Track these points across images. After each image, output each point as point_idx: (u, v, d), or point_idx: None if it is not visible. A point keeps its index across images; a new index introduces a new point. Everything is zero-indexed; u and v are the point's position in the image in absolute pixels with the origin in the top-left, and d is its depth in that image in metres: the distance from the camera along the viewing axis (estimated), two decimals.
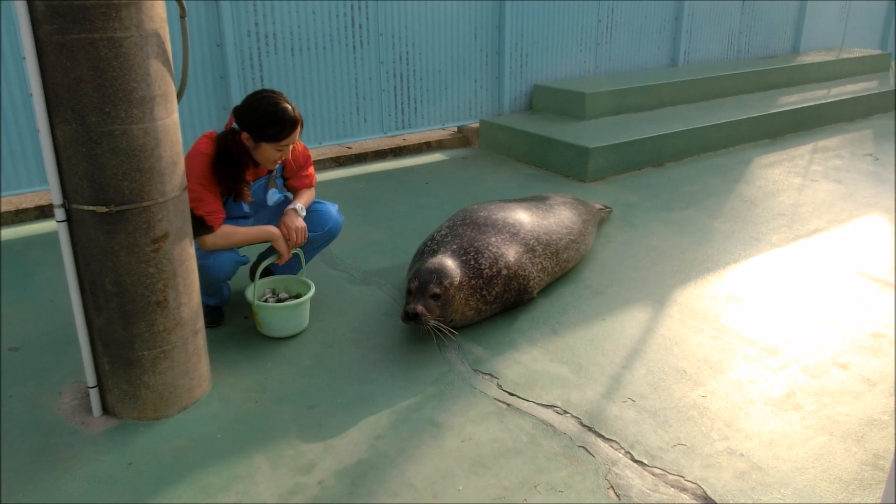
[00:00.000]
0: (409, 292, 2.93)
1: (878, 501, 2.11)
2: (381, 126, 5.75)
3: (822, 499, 2.14)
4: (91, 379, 2.45)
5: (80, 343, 2.40)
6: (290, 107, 2.81)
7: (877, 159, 5.96)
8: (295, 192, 3.17)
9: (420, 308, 2.81)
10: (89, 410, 2.51)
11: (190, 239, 2.47)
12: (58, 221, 2.25)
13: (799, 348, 2.98)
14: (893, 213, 4.62)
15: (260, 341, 3.00)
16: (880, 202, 4.85)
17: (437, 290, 2.87)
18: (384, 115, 5.73)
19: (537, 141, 5.71)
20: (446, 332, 2.90)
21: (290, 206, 3.06)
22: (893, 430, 2.44)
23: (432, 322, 2.84)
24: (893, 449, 2.31)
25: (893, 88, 7.97)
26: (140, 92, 2.16)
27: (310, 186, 3.20)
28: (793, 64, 8.01)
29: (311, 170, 3.21)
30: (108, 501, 2.11)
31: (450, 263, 2.99)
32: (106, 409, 2.51)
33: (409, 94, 5.82)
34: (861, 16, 9.54)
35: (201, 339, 2.60)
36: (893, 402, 2.59)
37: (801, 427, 2.47)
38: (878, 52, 9.27)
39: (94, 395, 2.48)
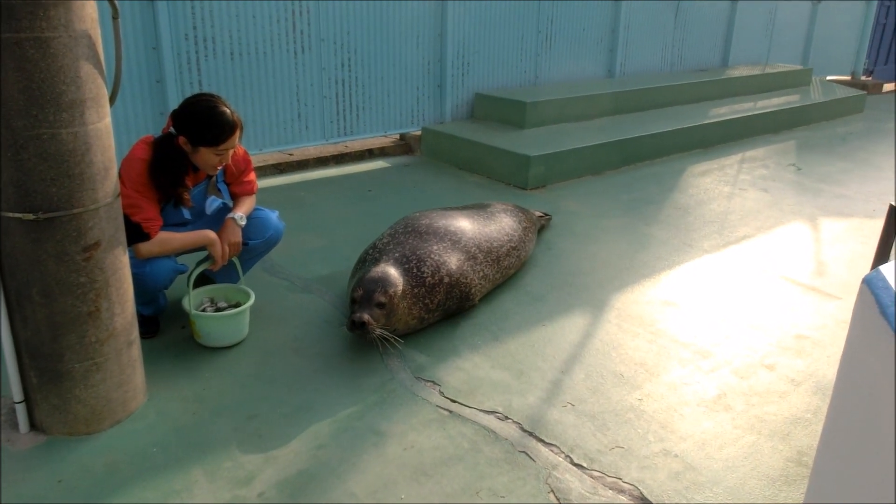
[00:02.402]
0: (354, 301, 2.91)
1: (802, 497, 2.22)
2: (323, 133, 5.70)
3: (751, 495, 2.23)
4: (17, 394, 2.34)
5: (6, 356, 2.29)
6: (228, 110, 2.75)
7: (799, 169, 6.28)
8: (235, 198, 3.11)
9: (367, 317, 2.79)
10: (16, 427, 2.39)
11: (123, 247, 2.39)
12: None
13: (729, 351, 3.11)
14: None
15: (198, 351, 2.93)
16: (803, 210, 5.12)
17: (383, 299, 2.86)
18: (326, 122, 5.68)
19: (479, 149, 5.77)
20: (392, 340, 2.89)
21: (231, 215, 2.99)
22: (815, 427, 2.57)
23: (378, 331, 2.83)
24: (816, 446, 2.43)
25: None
26: (70, 95, 2.08)
27: (251, 193, 3.14)
28: (722, 77, 8.36)
29: (253, 175, 3.15)
30: None
31: (393, 272, 2.98)
32: (34, 425, 2.40)
33: (351, 101, 5.80)
34: (784, 33, 10.05)
35: (136, 350, 2.52)
36: (816, 401, 2.74)
37: (732, 427, 2.58)
38: (799, 67, 9.79)
39: (21, 411, 2.36)
